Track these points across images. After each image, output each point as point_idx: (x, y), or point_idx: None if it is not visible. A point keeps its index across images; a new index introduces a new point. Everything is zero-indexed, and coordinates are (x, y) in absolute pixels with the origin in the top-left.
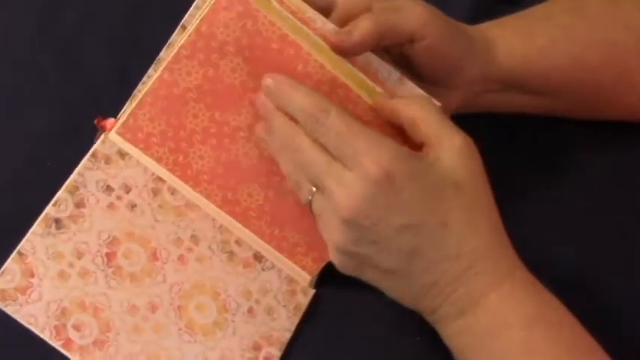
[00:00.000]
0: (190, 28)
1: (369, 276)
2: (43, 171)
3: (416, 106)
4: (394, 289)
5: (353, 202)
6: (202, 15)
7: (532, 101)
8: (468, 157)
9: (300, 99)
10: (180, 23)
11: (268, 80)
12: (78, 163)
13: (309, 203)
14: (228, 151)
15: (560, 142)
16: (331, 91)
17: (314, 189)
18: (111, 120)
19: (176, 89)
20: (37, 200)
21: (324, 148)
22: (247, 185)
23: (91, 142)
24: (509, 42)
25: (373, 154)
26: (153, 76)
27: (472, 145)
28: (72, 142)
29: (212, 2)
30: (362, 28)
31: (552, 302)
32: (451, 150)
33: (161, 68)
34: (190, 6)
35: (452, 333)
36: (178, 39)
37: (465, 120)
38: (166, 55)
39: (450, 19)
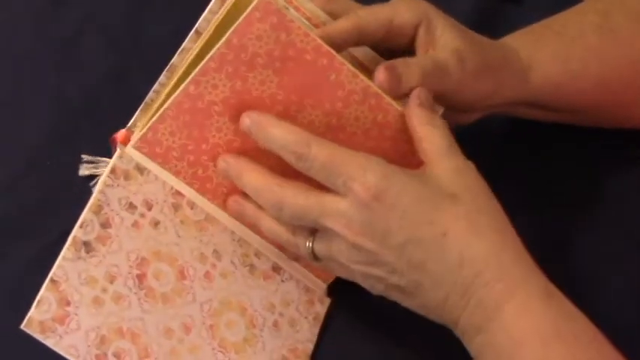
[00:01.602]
0: (206, 35)
1: (394, 296)
2: (43, 171)
3: (427, 126)
4: (418, 306)
5: (354, 229)
6: (234, 27)
7: (550, 115)
8: (466, 176)
9: (279, 136)
10: (194, 28)
11: (246, 120)
12: (78, 164)
13: (311, 253)
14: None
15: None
16: (363, 100)
17: (310, 244)
18: (121, 132)
19: (201, 102)
20: (37, 200)
21: (308, 187)
22: None
23: (91, 142)
24: (547, 68)
25: (360, 178)
26: (166, 84)
27: (473, 168)
28: (72, 142)
29: (246, 13)
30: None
31: (572, 314)
32: (449, 169)
33: (186, 81)
34: (191, 6)
35: (474, 350)
36: (192, 45)
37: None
38: (179, 60)
39: (482, 52)
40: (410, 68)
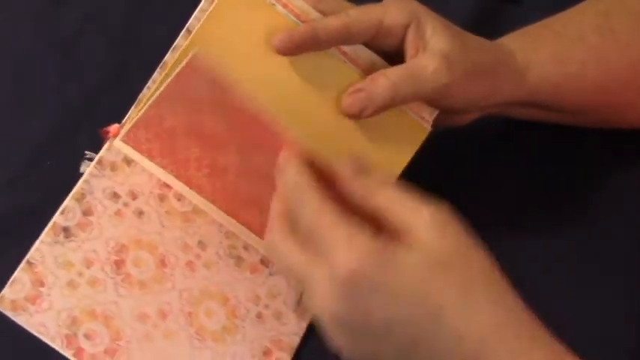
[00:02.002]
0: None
1: None
2: (43, 171)
3: (378, 198)
4: None
5: (331, 312)
6: (176, 72)
7: (549, 115)
8: (445, 231)
9: (282, 185)
10: (185, 27)
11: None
12: (78, 164)
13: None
14: (224, 181)
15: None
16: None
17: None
18: (114, 126)
19: (164, 124)
20: (37, 200)
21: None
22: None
23: (91, 142)
24: (544, 68)
25: (342, 253)
26: (158, 80)
27: (445, 214)
28: (72, 142)
29: (183, 63)
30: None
31: None
32: (425, 229)
33: (147, 104)
34: (191, 6)
35: None
36: (184, 42)
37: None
38: (171, 58)
39: (473, 55)
40: (377, 83)
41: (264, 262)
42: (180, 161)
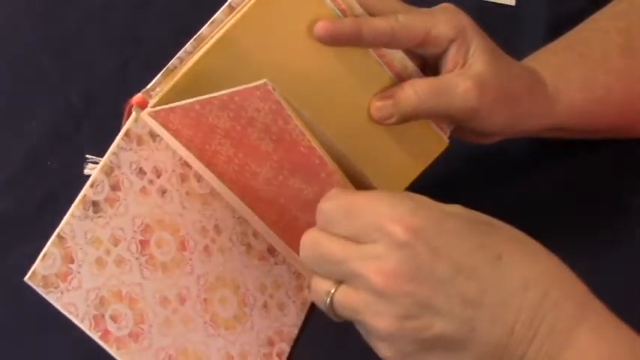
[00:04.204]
0: (242, 10)
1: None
2: (44, 170)
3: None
4: (465, 359)
5: (387, 272)
6: (237, 88)
7: (568, 134)
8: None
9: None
10: (228, 2)
11: None
12: (78, 163)
13: (329, 310)
14: (249, 180)
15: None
16: None
17: (330, 295)
18: (138, 95)
19: (205, 120)
20: (38, 199)
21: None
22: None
23: (92, 142)
24: (572, 97)
25: (390, 216)
26: (192, 53)
27: None
28: (72, 142)
29: (246, 86)
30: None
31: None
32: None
33: (193, 100)
34: (190, 6)
35: None
36: (224, 18)
37: None
38: (209, 32)
39: (507, 80)
40: (405, 94)
41: (270, 251)
42: (209, 151)
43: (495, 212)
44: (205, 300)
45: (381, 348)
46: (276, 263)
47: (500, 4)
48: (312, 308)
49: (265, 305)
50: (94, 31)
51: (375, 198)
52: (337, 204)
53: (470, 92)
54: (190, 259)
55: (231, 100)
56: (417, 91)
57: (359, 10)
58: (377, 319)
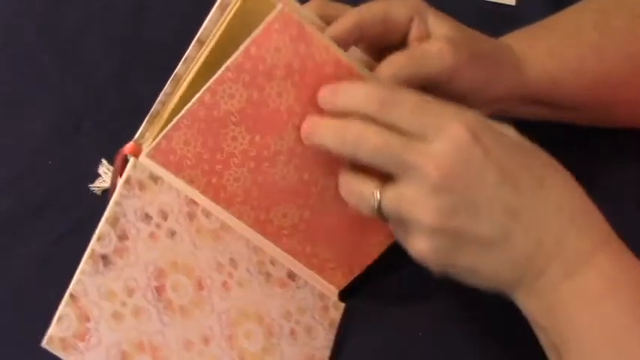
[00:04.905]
0: (210, 44)
1: (462, 259)
2: (45, 170)
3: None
4: (493, 263)
5: (444, 168)
6: (253, 37)
7: (553, 113)
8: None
9: (362, 89)
10: (196, 37)
11: (325, 93)
12: (79, 163)
13: (376, 209)
14: (266, 174)
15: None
16: None
17: (378, 193)
18: (129, 144)
19: (217, 112)
20: (39, 199)
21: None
22: (283, 206)
23: (92, 142)
24: (541, 62)
25: (457, 117)
26: (173, 94)
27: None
28: (72, 142)
29: (264, 23)
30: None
31: None
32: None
33: (202, 89)
34: (189, 7)
35: (558, 300)
36: (196, 54)
37: None
38: (183, 70)
39: (474, 42)
40: (381, 70)
41: (290, 276)
42: (214, 178)
43: None
44: (230, 337)
45: (418, 242)
46: (298, 287)
47: (501, 3)
48: (341, 327)
49: (293, 332)
50: (94, 31)
51: (441, 102)
52: (406, 97)
53: (444, 50)
54: (209, 298)
55: (248, 57)
56: (392, 62)
57: (319, 23)
58: (424, 213)
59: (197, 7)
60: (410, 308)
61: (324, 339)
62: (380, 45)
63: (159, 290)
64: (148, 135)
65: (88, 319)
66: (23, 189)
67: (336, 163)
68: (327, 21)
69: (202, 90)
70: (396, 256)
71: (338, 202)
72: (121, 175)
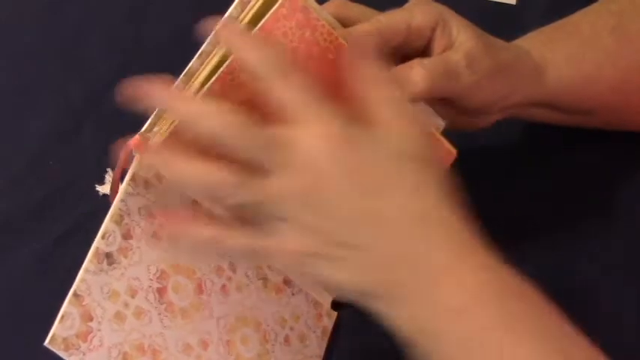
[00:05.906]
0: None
1: (322, 264)
2: (45, 170)
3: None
4: (357, 265)
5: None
6: (261, 24)
7: (563, 117)
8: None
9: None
10: (213, 33)
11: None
12: (79, 163)
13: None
14: None
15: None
16: None
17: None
18: (135, 137)
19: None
20: (39, 200)
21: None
22: None
23: (93, 142)
24: (559, 69)
25: (327, 113)
26: (185, 89)
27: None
28: (73, 142)
29: (272, 10)
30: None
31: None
32: (403, 134)
33: (212, 80)
34: (190, 7)
35: (416, 315)
36: (212, 49)
37: None
38: (198, 64)
39: (495, 52)
40: (415, 71)
41: (286, 282)
42: None
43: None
44: (228, 342)
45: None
46: (293, 294)
47: (501, 3)
48: (333, 336)
49: (287, 339)
50: (94, 31)
51: (322, 98)
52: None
53: (464, 69)
54: (208, 302)
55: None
56: (427, 67)
57: (337, 25)
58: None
59: (197, 7)
60: None
61: (316, 347)
62: (402, 52)
63: (160, 292)
64: (156, 130)
65: (90, 319)
66: (23, 189)
67: None
68: (346, 24)
69: (212, 80)
70: None
71: None
72: (123, 168)
